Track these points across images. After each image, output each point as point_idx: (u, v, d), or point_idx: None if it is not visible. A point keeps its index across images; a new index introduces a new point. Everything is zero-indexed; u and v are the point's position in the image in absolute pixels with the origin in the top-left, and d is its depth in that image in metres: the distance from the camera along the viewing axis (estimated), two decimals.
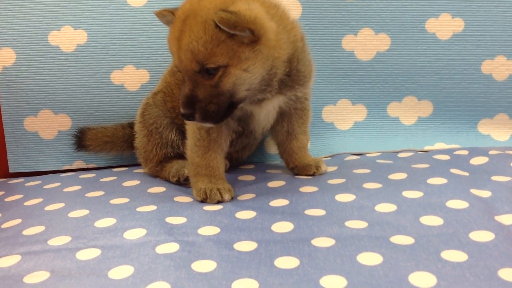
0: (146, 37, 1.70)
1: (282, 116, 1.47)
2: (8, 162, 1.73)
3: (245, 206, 1.27)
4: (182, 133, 1.52)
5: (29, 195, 1.46)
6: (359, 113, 1.77)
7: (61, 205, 1.34)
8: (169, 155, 1.53)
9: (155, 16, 1.63)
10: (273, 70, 1.27)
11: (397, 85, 1.74)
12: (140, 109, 1.60)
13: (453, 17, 1.69)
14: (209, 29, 1.17)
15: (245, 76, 1.21)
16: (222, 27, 1.15)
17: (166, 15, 1.29)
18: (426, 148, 1.71)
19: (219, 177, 1.36)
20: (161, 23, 1.66)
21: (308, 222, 1.15)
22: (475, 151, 1.58)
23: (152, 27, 1.69)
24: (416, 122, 1.77)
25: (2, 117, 1.70)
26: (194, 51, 1.18)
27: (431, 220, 1.12)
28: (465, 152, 1.59)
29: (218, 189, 1.31)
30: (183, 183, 1.46)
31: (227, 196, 1.31)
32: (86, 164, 1.76)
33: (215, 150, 1.36)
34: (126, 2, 1.69)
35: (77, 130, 1.70)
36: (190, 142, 1.38)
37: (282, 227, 1.14)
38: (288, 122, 1.48)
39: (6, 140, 1.72)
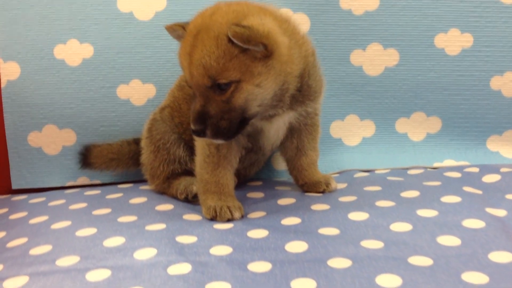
0: (153, 51, 1.68)
1: (292, 132, 1.45)
2: (11, 178, 1.70)
3: (257, 224, 1.24)
4: (190, 149, 1.49)
5: (34, 212, 1.43)
6: (367, 129, 1.75)
7: (68, 223, 1.31)
8: (177, 171, 1.51)
9: (163, 30, 1.63)
10: (285, 86, 1.25)
11: (405, 101, 1.72)
12: (147, 124, 1.58)
13: (462, 33, 1.67)
14: (222, 43, 1.16)
15: (257, 92, 1.19)
16: (235, 41, 1.14)
17: (177, 30, 1.27)
18: (435, 164, 1.69)
19: (228, 195, 1.34)
20: (169, 37, 1.64)
21: (323, 241, 1.12)
22: (485, 169, 1.57)
23: (159, 41, 1.68)
24: (425, 138, 1.75)
25: (6, 132, 1.68)
26: (206, 66, 1.16)
27: (449, 240, 1.10)
28: (476, 170, 1.57)
29: (228, 207, 1.29)
30: (191, 200, 1.43)
31: (237, 214, 1.29)
32: (91, 181, 1.73)
33: (225, 166, 1.34)
34: (133, 15, 1.67)
35: (82, 148, 1.68)
36: (199, 158, 1.36)
37: (296, 246, 1.11)
38: (298, 138, 1.46)
39: (9, 155, 1.69)
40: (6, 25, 1.65)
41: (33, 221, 1.36)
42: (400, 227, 1.17)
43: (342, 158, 1.73)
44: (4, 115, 1.67)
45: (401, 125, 1.75)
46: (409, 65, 1.70)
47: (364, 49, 1.70)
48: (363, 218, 1.23)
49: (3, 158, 1.70)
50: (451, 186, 1.41)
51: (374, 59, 1.70)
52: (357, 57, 1.70)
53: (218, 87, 1.18)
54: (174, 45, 1.65)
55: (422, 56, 1.69)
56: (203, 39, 1.17)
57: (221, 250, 1.11)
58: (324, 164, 1.71)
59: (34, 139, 1.69)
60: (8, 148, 1.69)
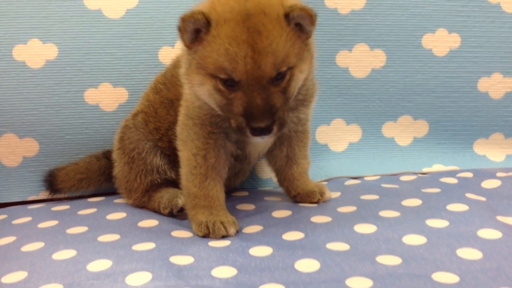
0: (125, 52, 1.53)
1: (281, 139, 1.35)
2: None
3: (256, 240, 1.13)
4: (167, 157, 1.37)
5: None
6: (354, 133, 1.66)
7: (41, 244, 1.15)
8: (156, 182, 1.37)
9: (135, 29, 1.50)
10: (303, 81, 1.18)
11: (392, 104, 1.65)
12: (118, 133, 1.44)
13: (449, 33, 1.61)
14: (284, 26, 1.07)
15: (301, 78, 1.13)
16: (303, 23, 1.09)
17: (200, 19, 1.06)
18: (425, 169, 1.62)
19: (220, 208, 1.22)
20: (142, 37, 1.53)
21: (335, 258, 1.02)
22: (480, 174, 1.51)
23: (131, 41, 1.53)
24: (412, 142, 1.68)
25: None
26: (276, 53, 1.05)
27: (469, 254, 1.02)
28: (470, 175, 1.51)
29: (222, 222, 1.17)
30: (176, 214, 1.30)
31: (232, 230, 1.17)
32: (55, 194, 1.57)
33: (214, 177, 1.22)
34: (101, 13, 1.53)
35: (45, 174, 1.52)
36: (184, 170, 1.23)
37: (307, 265, 1.00)
38: (288, 146, 1.35)
39: None
40: None
41: None
42: (414, 240, 1.09)
43: (329, 165, 1.64)
44: None
45: (388, 129, 1.67)
46: (396, 66, 1.63)
47: (350, 50, 1.61)
48: (371, 231, 1.14)
49: None
50: (452, 193, 1.34)
51: (361, 61, 1.62)
52: (343, 59, 1.62)
53: (277, 76, 1.07)
54: (148, 45, 1.55)
55: (409, 57, 1.62)
56: (262, 23, 1.04)
57: (224, 271, 0.99)
58: (311, 172, 1.58)
59: None
60: None
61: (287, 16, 1.08)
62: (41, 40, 1.51)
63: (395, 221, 1.18)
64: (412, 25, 1.61)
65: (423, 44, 1.62)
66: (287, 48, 1.07)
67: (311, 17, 1.09)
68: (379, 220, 1.19)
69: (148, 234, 1.18)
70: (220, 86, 1.09)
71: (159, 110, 1.39)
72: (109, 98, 1.54)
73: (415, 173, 1.58)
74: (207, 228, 1.16)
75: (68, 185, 1.51)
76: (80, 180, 1.51)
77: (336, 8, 1.58)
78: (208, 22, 1.07)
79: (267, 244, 1.10)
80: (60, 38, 1.51)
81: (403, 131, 1.67)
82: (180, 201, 1.28)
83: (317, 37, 1.57)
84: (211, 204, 1.21)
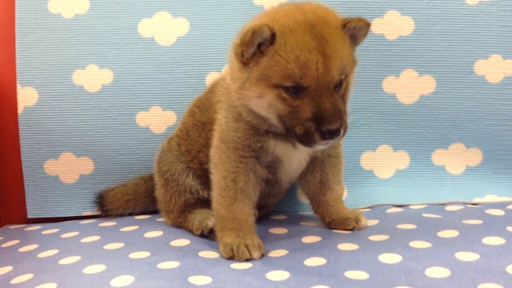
0: (174, 77, 1.61)
1: (313, 164, 1.36)
2: (27, 207, 1.64)
3: (277, 264, 1.14)
4: (199, 178, 1.42)
5: (45, 245, 1.35)
6: (401, 160, 1.63)
7: (77, 258, 1.22)
8: (189, 202, 1.42)
9: (184, 55, 1.57)
10: None
11: (443, 131, 1.60)
12: (156, 156, 1.50)
13: (504, 59, 1.56)
14: (343, 35, 1.13)
15: (351, 88, 1.19)
16: (359, 35, 1.17)
17: (267, 31, 1.09)
18: (476, 200, 1.56)
19: (247, 231, 1.23)
20: (190, 63, 1.60)
21: (349, 287, 1.01)
22: None
23: (180, 67, 1.61)
24: (464, 171, 1.62)
25: (22, 159, 1.62)
26: (342, 59, 1.11)
27: None
28: None
29: (246, 245, 1.18)
30: (207, 235, 1.34)
31: (256, 254, 1.18)
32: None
33: (243, 200, 1.24)
34: (154, 40, 1.61)
35: (96, 195, 1.61)
36: (215, 193, 1.26)
37: None
38: (321, 171, 1.36)
39: (25, 183, 1.63)
40: (24, 50, 1.61)
41: (42, 254, 1.28)
42: (437, 272, 1.05)
43: (373, 192, 1.61)
44: (21, 142, 1.61)
45: (438, 157, 1.62)
46: (447, 93, 1.58)
47: (397, 76, 1.59)
48: (396, 261, 1.11)
49: (19, 186, 1.64)
50: (494, 226, 1.28)
51: (409, 87, 1.59)
52: (390, 84, 1.60)
53: (339, 82, 1.13)
54: (196, 70, 1.61)
55: (460, 83, 1.58)
56: (327, 31, 1.10)
57: None
58: (354, 198, 1.60)
59: (51, 167, 1.63)
60: (24, 176, 1.63)
61: (344, 26, 1.14)
62: (98, 66, 1.61)
63: (423, 252, 1.15)
64: (463, 51, 1.57)
65: (476, 71, 1.57)
66: (347, 56, 1.13)
67: (367, 27, 1.16)
68: (407, 250, 1.16)
69: (176, 253, 1.22)
70: (284, 95, 1.12)
71: (191, 133, 1.44)
72: (159, 120, 1.62)
73: (465, 203, 1.53)
74: (232, 250, 1.19)
75: (116, 206, 1.58)
76: (127, 201, 1.58)
77: (383, 34, 1.57)
78: (272, 35, 1.11)
79: (286, 269, 1.11)
80: (115, 63, 1.61)
81: (455, 159, 1.62)
82: (210, 223, 1.32)
83: (363, 63, 1.58)
84: (238, 226, 1.23)
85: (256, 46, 1.12)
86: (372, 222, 1.39)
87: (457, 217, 1.38)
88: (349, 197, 1.59)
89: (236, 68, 1.18)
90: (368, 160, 1.63)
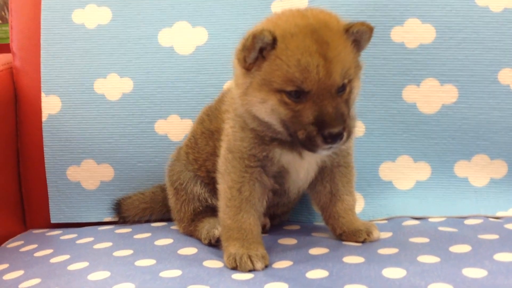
0: (192, 86, 1.62)
1: (323, 174, 1.34)
2: (50, 212, 1.68)
3: (278, 276, 1.13)
4: (207, 186, 1.42)
5: (59, 250, 1.39)
6: (422, 171, 1.58)
7: (85, 264, 1.25)
8: (198, 210, 1.42)
9: (203, 64, 1.59)
10: None
11: (465, 142, 1.55)
12: (167, 166, 1.52)
13: None
14: (346, 39, 1.12)
15: (356, 93, 1.17)
16: (363, 40, 1.16)
17: (267, 36, 1.09)
18: (499, 214, 1.50)
19: (252, 241, 1.23)
20: (209, 71, 1.60)
21: None
22: None
23: (198, 75, 1.62)
24: (488, 184, 1.56)
25: (46, 165, 1.66)
26: (343, 62, 1.10)
27: None
28: None
29: (250, 256, 1.18)
30: (215, 244, 1.34)
31: (259, 265, 1.17)
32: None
33: (248, 210, 1.23)
34: (173, 50, 1.63)
35: (114, 202, 1.63)
36: (221, 203, 1.26)
37: None
38: (331, 181, 1.34)
39: (48, 189, 1.67)
40: (48, 59, 1.65)
41: (54, 260, 1.31)
42: None
43: (392, 203, 1.57)
44: (44, 149, 1.66)
45: (461, 169, 1.57)
46: (470, 102, 1.54)
47: (418, 85, 1.55)
48: (399, 276, 1.08)
49: (43, 191, 1.69)
50: (509, 241, 1.23)
51: (430, 96, 1.55)
52: (410, 94, 1.56)
53: (342, 86, 1.12)
54: (214, 79, 1.62)
55: (484, 93, 1.52)
56: (328, 35, 1.10)
57: None
58: (371, 209, 1.56)
59: (73, 173, 1.67)
60: (47, 182, 1.67)
61: (347, 31, 1.13)
62: (119, 75, 1.64)
63: (430, 267, 1.12)
64: (487, 59, 1.52)
65: (500, 80, 1.52)
66: (350, 60, 1.12)
67: (371, 32, 1.15)
68: (413, 265, 1.13)
69: (181, 262, 1.23)
70: (286, 99, 1.11)
71: (199, 141, 1.44)
72: (177, 129, 1.63)
73: (486, 217, 1.47)
74: (235, 261, 1.18)
75: (132, 213, 1.61)
76: (144, 209, 1.60)
77: (403, 42, 1.54)
78: (274, 39, 1.10)
79: (286, 280, 1.10)
80: (135, 72, 1.64)
81: (479, 171, 1.56)
82: (217, 232, 1.32)
83: (383, 72, 1.56)
84: (243, 236, 1.22)
85: (258, 51, 1.11)
86: (385, 235, 1.36)
87: (473, 231, 1.34)
88: (367, 208, 1.56)
89: (239, 74, 1.18)
90: (387, 170, 1.59)
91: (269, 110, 1.14)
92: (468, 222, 1.43)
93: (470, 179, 1.57)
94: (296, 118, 1.11)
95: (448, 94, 1.54)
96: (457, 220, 1.46)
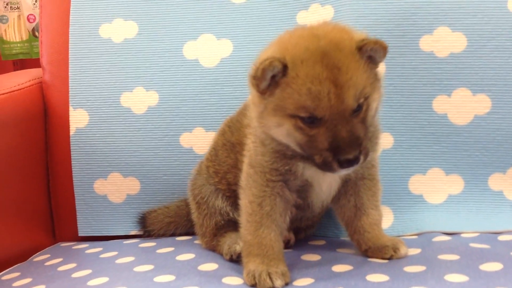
0: (217, 98, 1.61)
1: (347, 188, 1.30)
2: (78, 225, 1.69)
3: None
4: (228, 199, 1.40)
5: (82, 265, 1.39)
6: (454, 185, 1.52)
7: (105, 280, 1.24)
8: (220, 224, 1.40)
9: (228, 77, 1.58)
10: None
11: (500, 154, 1.48)
12: (189, 181, 1.51)
13: None
14: (358, 60, 1.09)
15: (374, 107, 1.14)
16: (378, 57, 1.12)
17: (278, 65, 1.07)
18: None
19: (273, 257, 1.19)
20: (233, 84, 1.59)
21: None
22: None
23: (223, 88, 1.60)
24: None
25: (73, 179, 1.67)
26: (356, 86, 1.07)
27: None
28: None
29: (269, 273, 1.15)
30: (236, 260, 1.31)
31: (278, 282, 1.14)
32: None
33: (269, 226, 1.20)
34: (198, 62, 1.62)
35: (138, 216, 1.63)
36: (242, 218, 1.24)
37: None
38: (356, 195, 1.30)
39: (76, 202, 1.68)
40: (76, 73, 1.67)
41: (76, 274, 1.31)
42: None
43: (422, 218, 1.51)
44: (72, 162, 1.67)
45: (496, 182, 1.50)
46: (504, 113, 1.47)
47: (449, 95, 1.50)
48: None
49: (71, 205, 1.70)
50: None
51: (461, 106, 1.49)
52: (441, 104, 1.50)
53: (357, 107, 1.09)
54: (239, 92, 1.60)
55: None
56: (339, 59, 1.07)
57: None
58: (401, 224, 1.51)
59: (100, 186, 1.67)
60: (75, 195, 1.68)
61: (360, 49, 1.09)
62: (144, 88, 1.64)
63: (457, 286, 1.07)
64: None
65: None
66: (364, 80, 1.08)
67: (384, 50, 1.11)
68: (439, 284, 1.08)
69: (200, 278, 1.21)
70: (301, 125, 1.09)
71: (219, 152, 1.42)
72: (202, 142, 1.62)
73: None
74: (254, 278, 1.15)
75: (157, 227, 1.60)
76: (168, 223, 1.59)
77: (432, 51, 1.49)
78: (284, 67, 1.08)
79: None
80: (161, 86, 1.64)
81: None
82: (238, 247, 1.29)
83: (412, 82, 1.52)
84: (264, 252, 1.20)
85: (270, 79, 1.10)
86: (414, 251, 1.31)
87: (507, 248, 1.27)
88: (396, 223, 1.51)
89: (255, 96, 1.16)
90: (417, 184, 1.54)
91: (285, 133, 1.13)
92: (502, 238, 1.37)
93: (505, 193, 1.50)
94: (312, 143, 1.09)
95: (481, 104, 1.49)
96: (491, 236, 1.39)
